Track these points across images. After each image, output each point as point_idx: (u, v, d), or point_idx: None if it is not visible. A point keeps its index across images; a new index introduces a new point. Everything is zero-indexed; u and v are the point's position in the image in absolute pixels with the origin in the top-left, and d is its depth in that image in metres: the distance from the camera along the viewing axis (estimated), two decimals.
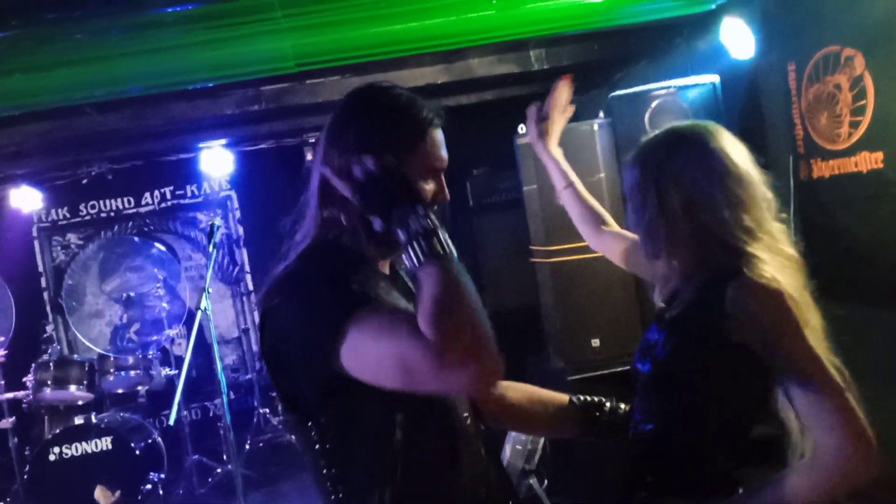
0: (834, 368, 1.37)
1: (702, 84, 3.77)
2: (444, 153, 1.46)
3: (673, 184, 1.46)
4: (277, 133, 6.08)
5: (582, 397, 1.69)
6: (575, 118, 5.34)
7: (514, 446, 2.92)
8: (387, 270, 1.53)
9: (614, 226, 1.96)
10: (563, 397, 1.71)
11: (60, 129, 4.58)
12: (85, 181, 6.02)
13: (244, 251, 6.60)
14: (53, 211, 6.35)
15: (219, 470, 5.11)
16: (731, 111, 3.84)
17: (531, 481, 2.94)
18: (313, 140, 6.27)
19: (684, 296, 1.49)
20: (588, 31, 4.12)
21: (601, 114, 4.18)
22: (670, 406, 1.49)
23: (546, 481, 3.27)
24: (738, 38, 3.63)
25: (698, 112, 3.73)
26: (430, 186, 1.44)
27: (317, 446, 1.37)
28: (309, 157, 6.32)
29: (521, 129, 4.23)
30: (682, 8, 3.74)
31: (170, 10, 3.43)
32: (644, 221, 1.50)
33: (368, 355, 1.24)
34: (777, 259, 1.44)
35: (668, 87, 3.75)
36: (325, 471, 1.38)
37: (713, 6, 3.72)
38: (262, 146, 6.26)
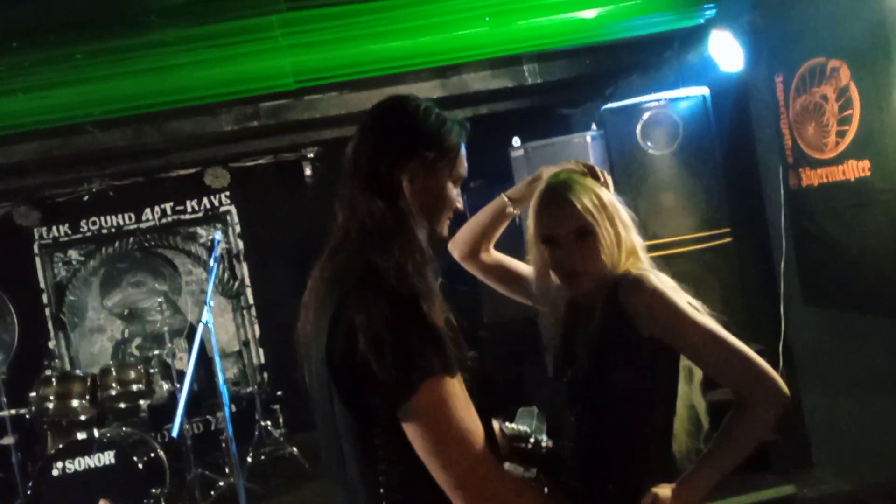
0: (721, 327, 1.56)
1: (692, 96, 3.84)
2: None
3: (609, 221, 1.65)
4: (276, 148, 6.15)
5: (512, 426, 1.78)
6: (568, 130, 5.43)
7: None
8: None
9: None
10: (495, 424, 1.75)
11: (61, 146, 4.65)
12: (86, 198, 6.09)
13: (244, 265, 6.65)
14: (55, 228, 6.40)
15: (221, 483, 5.14)
16: (720, 122, 3.92)
17: None
18: (311, 155, 6.34)
19: (591, 313, 1.67)
20: (580, 46, 4.20)
21: (594, 126, 4.26)
22: (608, 409, 1.64)
23: None
24: (726, 52, 3.71)
25: (689, 123, 3.80)
26: (456, 194, 1.51)
27: (379, 451, 1.34)
28: (308, 171, 6.39)
29: (516, 141, 4.30)
30: (671, 23, 3.82)
31: (170, 30, 3.50)
32: (595, 254, 1.64)
33: (422, 441, 1.28)
34: (647, 265, 1.68)
35: (659, 100, 3.82)
36: (380, 477, 1.35)
37: (702, 20, 3.80)
38: (261, 161, 6.33)
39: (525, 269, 1.87)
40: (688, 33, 3.96)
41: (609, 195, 1.69)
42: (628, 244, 1.67)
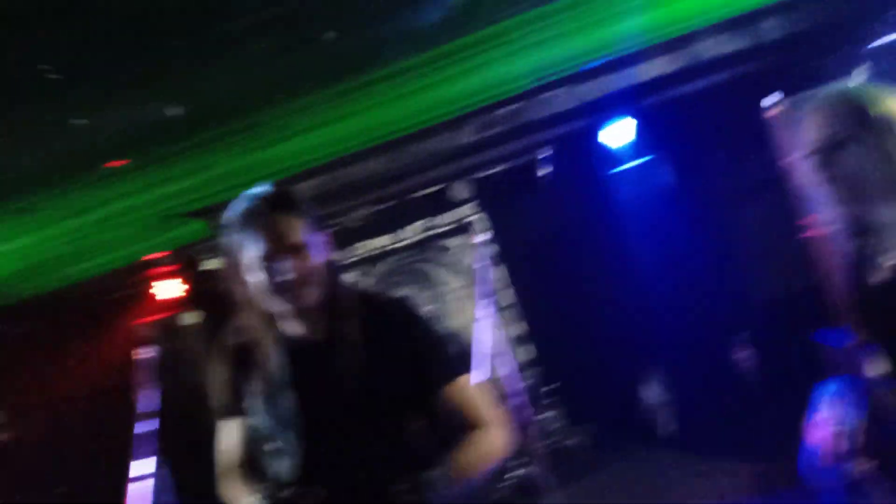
0: None
1: None
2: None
3: None
4: (512, 154, 6.34)
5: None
6: (824, 80, 4.99)
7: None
8: (317, 334, 1.65)
9: None
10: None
11: (330, 181, 5.15)
12: (355, 225, 6.71)
13: (499, 268, 6.88)
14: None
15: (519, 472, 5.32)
16: None
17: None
18: (545, 154, 6.45)
19: None
20: None
21: (853, 73, 3.92)
22: None
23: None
24: None
25: None
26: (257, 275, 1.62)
27: None
28: (543, 171, 6.51)
29: (772, 98, 4.04)
30: None
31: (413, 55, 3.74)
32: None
33: None
34: None
35: None
36: None
37: None
38: (500, 168, 6.55)
39: None
40: None
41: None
42: None
